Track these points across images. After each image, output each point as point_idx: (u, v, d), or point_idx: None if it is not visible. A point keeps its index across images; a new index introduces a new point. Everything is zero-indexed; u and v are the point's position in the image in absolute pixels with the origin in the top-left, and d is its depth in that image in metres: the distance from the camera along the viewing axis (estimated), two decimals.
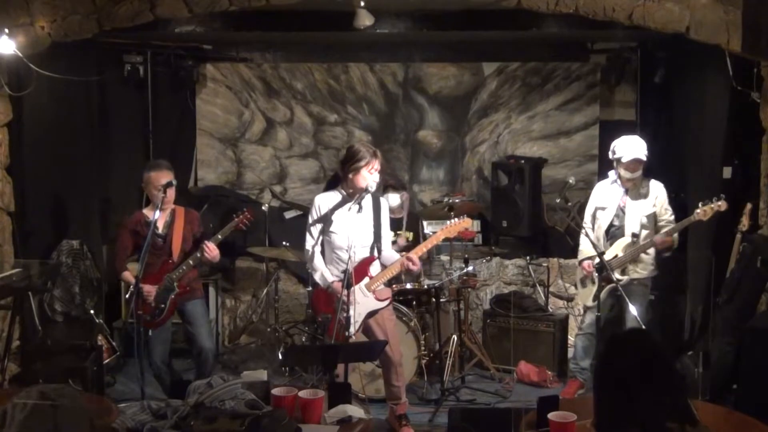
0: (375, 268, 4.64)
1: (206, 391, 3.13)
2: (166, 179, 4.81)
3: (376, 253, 4.67)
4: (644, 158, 5.12)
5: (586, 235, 5.09)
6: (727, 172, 5.67)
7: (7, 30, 4.89)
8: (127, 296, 6.20)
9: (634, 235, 5.12)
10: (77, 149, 6.18)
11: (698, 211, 4.88)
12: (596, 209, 5.35)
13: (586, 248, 5.33)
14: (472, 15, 5.96)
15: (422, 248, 4.62)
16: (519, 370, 5.79)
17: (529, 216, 6.69)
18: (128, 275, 4.94)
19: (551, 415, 3.00)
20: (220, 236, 4.87)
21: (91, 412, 2.15)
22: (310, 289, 5.97)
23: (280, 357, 5.90)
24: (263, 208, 6.24)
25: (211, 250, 4.82)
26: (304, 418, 3.21)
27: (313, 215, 4.65)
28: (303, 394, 3.31)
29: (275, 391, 3.32)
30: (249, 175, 7.37)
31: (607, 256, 5.19)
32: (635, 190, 5.23)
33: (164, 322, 4.94)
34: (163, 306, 4.87)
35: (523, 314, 6.00)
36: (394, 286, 5.21)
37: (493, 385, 5.69)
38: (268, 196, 7.21)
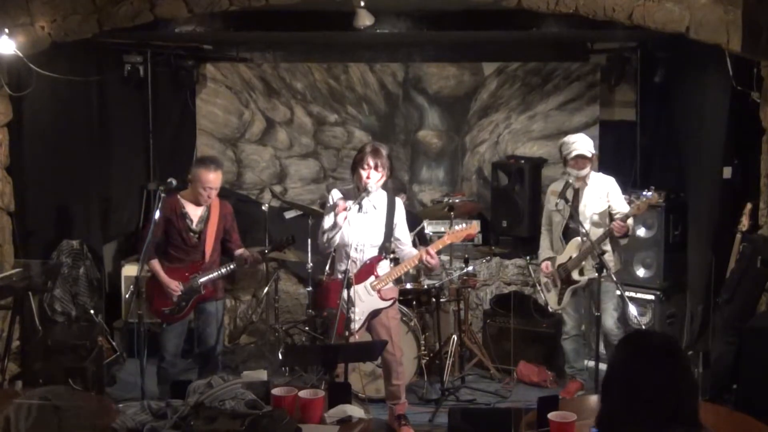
0: (382, 268, 4.64)
1: (206, 391, 3.14)
2: (215, 178, 4.78)
3: (384, 253, 4.65)
4: (589, 154, 5.12)
5: (585, 234, 5.07)
6: (727, 172, 5.67)
7: (7, 30, 4.89)
8: (127, 296, 6.21)
9: (585, 234, 5.10)
10: (77, 149, 6.18)
11: (632, 205, 4.95)
12: (551, 212, 5.33)
13: (543, 251, 5.41)
14: (472, 15, 5.96)
15: (437, 245, 4.60)
16: (519, 370, 5.79)
17: (529, 216, 6.70)
18: (156, 265, 4.83)
19: (551, 415, 3.01)
20: (263, 253, 5.08)
21: (91, 412, 2.15)
22: (310, 288, 5.97)
23: (280, 357, 5.89)
24: (263, 208, 6.23)
25: (256, 261, 5.05)
26: (304, 418, 3.22)
27: (327, 209, 4.65)
28: (303, 394, 3.31)
29: (275, 391, 3.32)
30: (249, 175, 7.37)
31: (563, 259, 5.22)
32: (586, 188, 5.21)
33: (181, 320, 4.92)
34: (184, 304, 4.85)
35: (522, 314, 6.00)
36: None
37: (493, 385, 5.70)
38: (268, 196, 7.21)
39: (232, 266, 4.90)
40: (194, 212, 4.89)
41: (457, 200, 6.06)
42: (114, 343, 5.94)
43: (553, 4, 5.12)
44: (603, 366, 5.18)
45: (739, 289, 4.90)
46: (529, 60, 7.28)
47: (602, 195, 5.21)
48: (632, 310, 4.60)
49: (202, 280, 4.84)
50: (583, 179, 5.21)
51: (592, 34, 6.89)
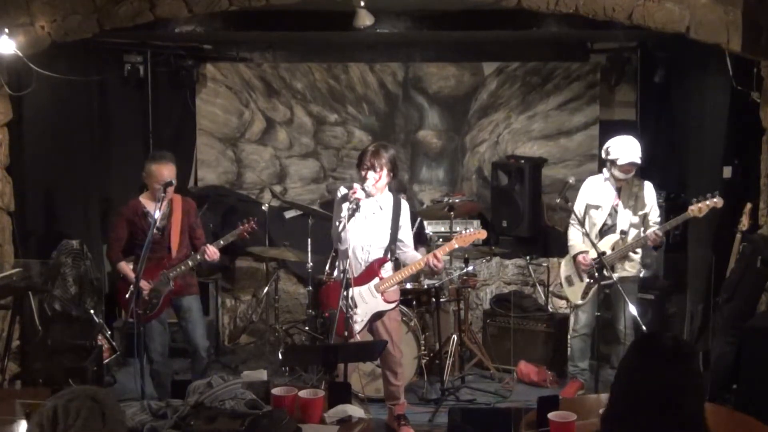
0: (386, 270, 4.63)
1: (206, 391, 3.14)
2: (169, 172, 4.78)
3: (390, 255, 4.64)
4: (640, 161, 5.09)
5: (586, 234, 5.07)
6: (727, 172, 5.68)
7: (7, 30, 4.88)
8: (127, 296, 6.20)
9: (623, 233, 5.10)
10: (77, 149, 6.18)
11: (692, 207, 4.84)
12: (588, 207, 5.31)
13: (577, 243, 5.32)
14: (472, 15, 5.96)
15: (445, 249, 4.59)
16: (519, 370, 5.79)
17: (529, 216, 6.70)
18: (124, 266, 4.86)
19: (551, 415, 3.00)
20: (222, 242, 4.88)
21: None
22: (310, 288, 5.97)
23: (280, 357, 5.89)
24: (263, 208, 6.23)
25: (212, 254, 4.82)
26: (304, 418, 3.21)
27: (336, 202, 4.62)
28: (303, 394, 3.31)
29: (275, 391, 3.32)
30: (249, 175, 7.37)
31: (596, 253, 5.19)
32: (628, 189, 5.21)
33: (156, 317, 4.89)
34: (155, 302, 4.84)
35: (523, 314, 6.00)
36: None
37: (493, 385, 5.69)
38: (268, 196, 7.21)
39: (198, 257, 4.85)
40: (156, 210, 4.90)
41: (457, 200, 6.06)
42: (114, 343, 5.94)
43: (553, 4, 5.11)
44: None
45: (739, 288, 4.90)
46: (529, 60, 7.28)
47: (641, 198, 5.19)
48: (632, 310, 4.59)
49: (171, 274, 4.84)
50: (626, 181, 5.19)
51: (592, 34, 6.89)
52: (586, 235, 5.04)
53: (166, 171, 4.79)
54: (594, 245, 4.86)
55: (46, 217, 5.94)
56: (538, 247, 6.87)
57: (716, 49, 5.18)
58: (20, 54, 4.98)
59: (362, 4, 5.43)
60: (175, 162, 4.91)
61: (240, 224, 4.95)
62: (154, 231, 4.84)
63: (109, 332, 6.03)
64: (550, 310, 6.29)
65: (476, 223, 6.64)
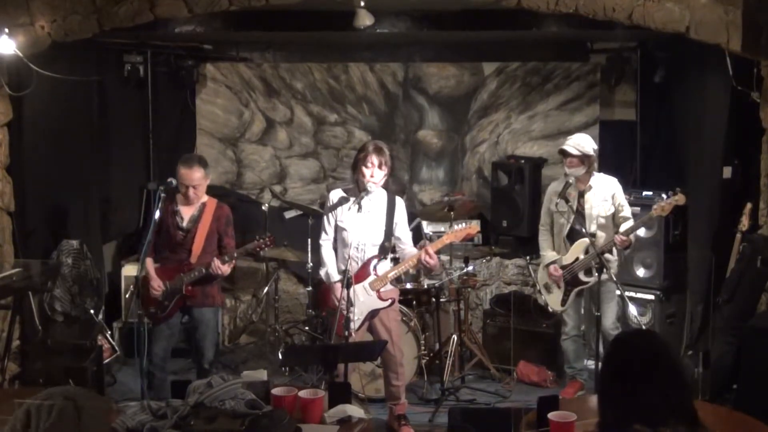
0: (382, 267, 4.63)
1: (206, 391, 3.14)
2: (198, 175, 4.75)
3: (384, 253, 4.64)
4: (575, 152, 5.07)
5: (586, 231, 5.06)
6: (727, 172, 5.68)
7: (7, 30, 4.89)
8: (127, 296, 6.21)
9: (592, 235, 5.09)
10: (77, 149, 6.17)
11: (655, 207, 4.90)
12: (553, 213, 5.31)
13: (547, 253, 5.36)
14: (472, 15, 5.96)
15: (437, 245, 4.58)
16: (519, 370, 5.79)
17: (529, 216, 6.69)
18: (149, 263, 4.81)
19: (551, 415, 3.00)
20: (227, 258, 4.74)
21: (108, 415, 2.15)
22: (310, 288, 5.97)
23: (280, 357, 5.90)
24: (263, 208, 6.23)
25: (215, 268, 4.68)
26: (304, 418, 3.22)
27: (326, 210, 4.65)
28: (303, 394, 3.31)
29: (275, 391, 3.32)
30: (249, 175, 7.37)
31: (569, 260, 5.20)
32: (591, 191, 5.20)
33: (167, 319, 4.85)
34: (167, 303, 4.83)
35: (522, 314, 6.00)
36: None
37: (493, 385, 5.69)
38: (268, 196, 7.21)
39: (203, 269, 4.74)
40: (186, 211, 4.88)
41: (457, 200, 6.06)
42: (114, 343, 5.94)
43: (553, 4, 5.11)
44: None
45: (739, 289, 4.90)
46: (529, 60, 7.28)
47: (607, 197, 5.18)
48: (632, 310, 4.60)
49: (186, 279, 4.79)
50: (584, 180, 5.18)
51: (592, 34, 6.89)
52: (601, 241, 5.03)
53: (192, 174, 4.74)
54: (593, 243, 4.87)
55: (46, 217, 5.94)
56: (538, 247, 6.86)
57: (716, 49, 5.18)
58: (20, 54, 4.98)
59: (362, 4, 5.43)
60: (203, 164, 4.84)
61: (256, 239, 4.79)
62: (179, 233, 4.81)
63: (109, 332, 6.05)
64: (550, 310, 6.28)
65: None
